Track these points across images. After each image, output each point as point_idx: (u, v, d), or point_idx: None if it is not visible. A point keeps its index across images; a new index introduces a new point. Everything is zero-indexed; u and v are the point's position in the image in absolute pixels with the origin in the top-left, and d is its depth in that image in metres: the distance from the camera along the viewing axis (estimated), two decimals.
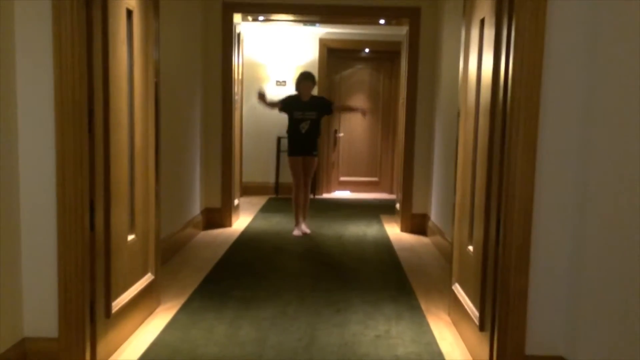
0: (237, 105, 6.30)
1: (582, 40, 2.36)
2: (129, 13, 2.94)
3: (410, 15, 5.88)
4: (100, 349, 2.62)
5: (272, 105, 5.76)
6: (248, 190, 8.18)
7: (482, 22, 2.88)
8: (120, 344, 2.87)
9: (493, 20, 2.64)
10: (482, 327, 2.69)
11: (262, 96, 5.69)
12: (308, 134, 5.51)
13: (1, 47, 2.34)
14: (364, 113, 6.18)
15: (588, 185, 2.33)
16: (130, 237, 3.02)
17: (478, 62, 2.97)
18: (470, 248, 3.00)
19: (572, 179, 2.41)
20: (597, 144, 2.28)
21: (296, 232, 5.64)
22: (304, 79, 5.53)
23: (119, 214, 2.84)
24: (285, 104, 5.61)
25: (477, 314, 2.78)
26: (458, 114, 3.35)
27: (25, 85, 2.44)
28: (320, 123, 5.65)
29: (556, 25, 2.36)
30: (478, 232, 2.83)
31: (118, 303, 2.82)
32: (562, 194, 2.42)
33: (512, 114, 2.39)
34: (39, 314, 2.51)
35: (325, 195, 8.53)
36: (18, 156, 2.46)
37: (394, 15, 6.27)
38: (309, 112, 5.50)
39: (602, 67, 2.26)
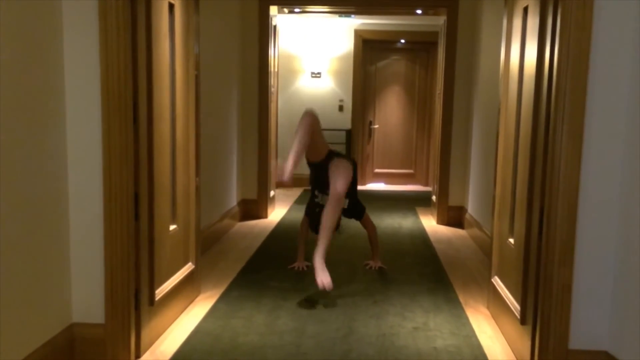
0: (273, 97, 6.34)
1: (631, 29, 2.28)
2: (171, 7, 2.99)
3: (448, 5, 5.79)
4: (145, 335, 2.70)
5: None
6: (283, 181, 8.21)
7: (526, 10, 2.82)
8: (163, 331, 2.95)
9: (537, 9, 2.58)
10: (523, 321, 2.66)
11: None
12: None
13: (50, 44, 2.41)
14: None
15: (636, 176, 2.26)
16: (172, 227, 3.08)
17: (521, 52, 2.91)
18: (511, 240, 2.96)
19: (620, 170, 2.35)
20: None
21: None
22: None
23: (162, 204, 2.90)
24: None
25: (518, 307, 2.74)
26: (499, 106, 3.30)
27: (73, 78, 2.50)
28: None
29: (604, 14, 2.29)
30: (520, 225, 2.79)
31: (161, 291, 2.89)
32: (608, 186, 2.36)
33: (557, 105, 2.34)
34: (87, 300, 2.59)
35: (360, 187, 8.50)
36: (66, 148, 2.53)
37: (431, 5, 6.21)
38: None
39: None
